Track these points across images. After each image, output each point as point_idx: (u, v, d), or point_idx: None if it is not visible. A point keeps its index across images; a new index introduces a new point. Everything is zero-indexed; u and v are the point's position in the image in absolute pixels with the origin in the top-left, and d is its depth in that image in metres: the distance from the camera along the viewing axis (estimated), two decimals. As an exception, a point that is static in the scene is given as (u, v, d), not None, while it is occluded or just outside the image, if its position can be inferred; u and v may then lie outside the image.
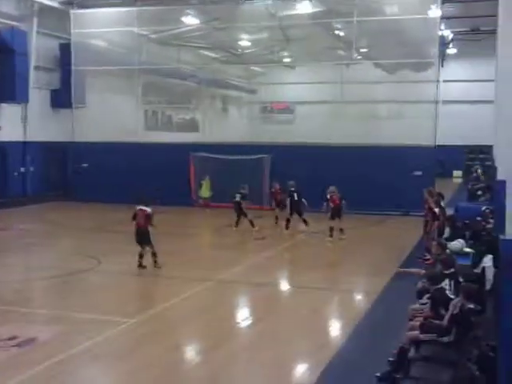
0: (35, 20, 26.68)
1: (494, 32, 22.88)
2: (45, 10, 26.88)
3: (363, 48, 29.78)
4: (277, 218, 20.17)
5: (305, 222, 19.18)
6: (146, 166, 25.59)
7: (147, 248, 13.79)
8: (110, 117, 26.67)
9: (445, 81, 37.13)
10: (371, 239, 18.90)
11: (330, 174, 21.88)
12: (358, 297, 12.81)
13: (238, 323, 10.65)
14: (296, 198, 18.95)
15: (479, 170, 29.31)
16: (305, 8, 26.49)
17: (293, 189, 19.09)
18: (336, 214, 17.70)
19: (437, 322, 7.60)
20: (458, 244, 12.46)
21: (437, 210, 14.67)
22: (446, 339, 7.30)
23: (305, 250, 17.61)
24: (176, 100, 35.69)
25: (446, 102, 37.73)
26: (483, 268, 10.07)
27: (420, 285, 9.42)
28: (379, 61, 29.82)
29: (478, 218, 13.88)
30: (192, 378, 8.25)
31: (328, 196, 17.70)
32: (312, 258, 16.17)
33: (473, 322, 7.49)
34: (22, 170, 27.41)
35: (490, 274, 9.79)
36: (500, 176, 7.33)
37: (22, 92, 26.17)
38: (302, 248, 18.03)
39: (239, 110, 43.89)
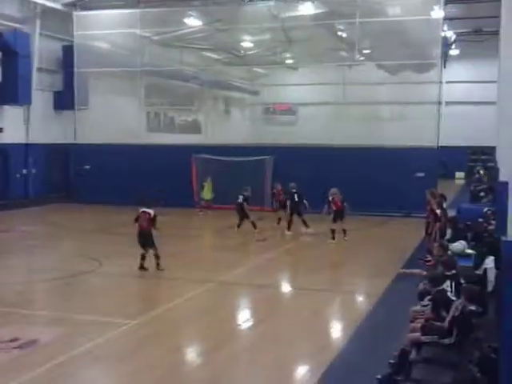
0: (38, 22, 26.74)
1: (496, 33, 22.84)
2: (48, 12, 26.94)
3: (366, 49, 29.79)
4: (279, 219, 20.17)
5: (304, 223, 19.19)
6: (148, 168, 25.61)
7: (150, 250, 13.78)
8: (113, 118, 26.71)
9: (447, 82, 37.16)
10: (373, 240, 18.88)
11: (333, 175, 21.87)
12: (360, 298, 12.79)
13: (240, 325, 10.65)
14: (296, 199, 18.96)
15: (482, 172, 29.24)
16: (307, 9, 26.50)
17: (294, 190, 19.11)
18: (338, 216, 17.67)
19: (438, 323, 7.58)
20: (459, 245, 12.46)
21: (439, 211, 14.64)
22: (447, 341, 7.28)
23: (306, 252, 17.60)
24: (178, 102, 35.74)
25: (448, 103, 37.81)
26: (485, 269, 10.05)
27: (421, 286, 9.40)
28: (382, 62, 29.82)
29: (480, 220, 13.86)
30: (193, 380, 8.24)
31: (330, 198, 17.67)
32: (313, 260, 16.15)
33: (474, 324, 7.47)
34: (24, 171, 27.44)
35: (491, 276, 9.77)
36: (502, 177, 7.34)
37: (24, 94, 26.23)
38: (304, 250, 18.02)
39: (242, 112, 43.93)
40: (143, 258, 13.74)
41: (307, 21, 27.05)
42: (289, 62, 35.23)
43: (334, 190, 17.78)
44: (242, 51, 33.18)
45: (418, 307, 8.73)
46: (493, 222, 13.17)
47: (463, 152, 40.59)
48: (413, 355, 7.55)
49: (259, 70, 39.14)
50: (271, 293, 12.72)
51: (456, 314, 7.32)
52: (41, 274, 14.04)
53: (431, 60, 24.97)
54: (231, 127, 39.34)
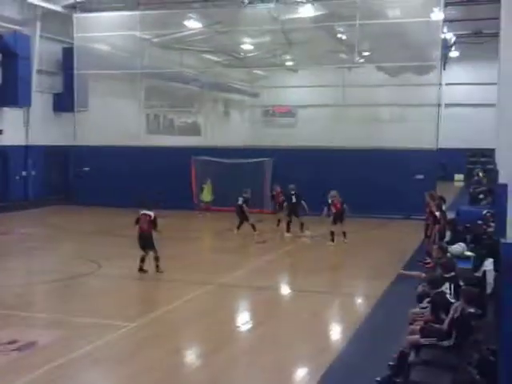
0: (38, 24, 26.75)
1: (496, 35, 22.85)
2: (48, 14, 26.95)
3: (365, 51, 29.80)
4: (279, 221, 20.18)
5: (301, 225, 19.20)
6: (147, 170, 25.61)
7: (151, 252, 13.77)
8: (112, 120, 26.72)
9: (447, 84, 37.21)
10: (372, 243, 18.88)
11: (332, 177, 21.88)
12: (359, 300, 12.79)
13: (239, 327, 10.64)
14: (294, 201, 18.99)
15: (481, 174, 29.26)
16: (307, 11, 26.51)
17: (293, 192, 19.14)
18: (338, 218, 17.67)
19: (437, 325, 7.58)
20: (458, 248, 12.46)
21: (438, 213, 14.65)
22: (446, 343, 7.28)
23: (306, 254, 17.59)
24: (178, 104, 35.72)
25: (448, 105, 37.85)
26: (484, 272, 10.05)
27: (420, 289, 9.41)
28: (381, 64, 29.82)
29: (479, 222, 13.86)
30: (192, 382, 8.24)
31: (330, 200, 17.67)
32: (313, 262, 16.15)
33: (473, 326, 7.47)
34: (24, 173, 27.43)
35: (490, 278, 9.77)
36: (502, 179, 7.33)
37: (24, 96, 26.24)
38: (303, 252, 18.01)
39: (241, 114, 43.95)
40: (143, 260, 13.73)
41: (307, 23, 27.08)
42: (289, 64, 35.28)
43: (333, 193, 17.79)
44: (242, 53, 33.21)
45: (417, 309, 8.74)
46: (492, 224, 13.15)
47: (462, 154, 40.62)
48: (412, 357, 7.55)
49: (259, 72, 39.20)
50: (270, 295, 12.72)
51: (455, 316, 7.32)
52: (40, 276, 14.04)
53: (431, 62, 24.99)
54: (231, 129, 39.36)
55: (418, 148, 23.39)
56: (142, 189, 22.36)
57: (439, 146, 24.10)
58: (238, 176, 22.90)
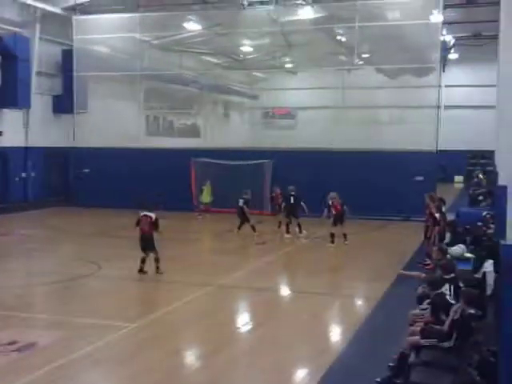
0: (38, 26, 26.80)
1: (495, 37, 22.86)
2: (47, 16, 26.99)
3: (365, 53, 29.83)
4: (280, 222, 20.17)
5: (299, 226, 19.23)
6: (147, 172, 25.62)
7: (151, 254, 13.78)
8: (112, 122, 26.75)
9: (446, 86, 37.20)
10: (372, 244, 18.89)
11: (332, 179, 21.89)
12: (359, 302, 12.79)
13: (239, 328, 10.64)
14: (292, 202, 19.02)
15: (481, 175, 29.28)
16: (306, 14, 26.54)
17: (292, 193, 19.18)
18: (338, 219, 17.68)
19: (437, 327, 7.59)
20: (458, 249, 12.48)
21: (438, 215, 14.66)
22: (446, 344, 7.28)
23: (305, 255, 17.59)
24: (178, 105, 35.75)
25: (447, 107, 37.86)
26: (484, 273, 10.06)
27: (420, 290, 9.41)
28: (381, 66, 29.86)
29: (479, 224, 13.87)
30: (192, 383, 8.24)
31: (330, 202, 17.68)
32: (313, 263, 16.15)
33: (473, 327, 7.47)
34: (24, 175, 27.46)
35: (490, 279, 9.78)
36: (501, 181, 7.34)
37: (24, 97, 26.28)
38: (303, 253, 18.01)
39: (241, 116, 43.98)
40: (143, 261, 13.74)
41: (306, 25, 27.10)
42: (288, 66, 35.31)
43: (333, 194, 17.80)
44: (242, 55, 33.22)
45: (417, 311, 8.74)
46: (492, 225, 13.17)
47: (462, 156, 40.65)
48: (412, 358, 7.56)
49: (258, 74, 39.22)
50: (270, 296, 12.71)
51: (455, 317, 7.33)
52: (40, 278, 14.03)
53: (430, 64, 25.01)
54: (230, 131, 39.38)
55: (418, 150, 23.42)
56: (142, 190, 22.38)
57: (439, 148, 24.10)
58: (237, 178, 22.91)
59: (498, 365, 6.86)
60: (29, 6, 26.10)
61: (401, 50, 27.33)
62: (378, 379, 7.55)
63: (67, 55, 28.08)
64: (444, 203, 16.14)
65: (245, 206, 19.24)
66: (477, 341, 7.55)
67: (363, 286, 13.78)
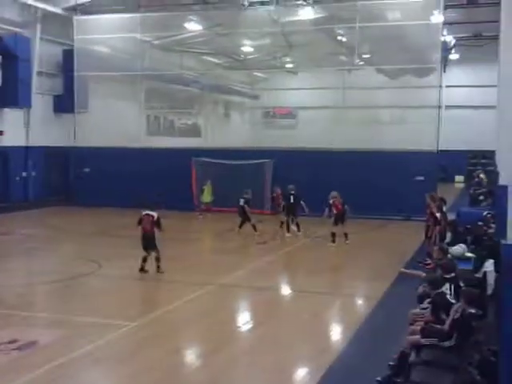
0: (38, 26, 26.81)
1: (496, 37, 22.89)
2: (48, 16, 27.00)
3: (365, 54, 29.85)
4: (282, 222, 20.17)
5: (297, 225, 19.26)
6: (148, 171, 25.63)
7: (152, 253, 13.79)
8: (113, 122, 26.76)
9: (447, 86, 37.19)
10: (372, 244, 18.90)
11: (332, 178, 21.87)
12: (359, 301, 12.80)
13: (239, 327, 10.65)
14: (292, 201, 19.05)
15: (481, 175, 29.28)
16: (307, 14, 26.54)
17: (292, 192, 19.20)
18: (339, 219, 17.69)
19: (438, 326, 7.59)
20: (459, 249, 12.47)
21: (438, 214, 14.67)
22: (447, 344, 7.28)
23: (306, 255, 17.60)
24: (178, 105, 35.77)
25: (448, 107, 37.85)
26: (484, 273, 10.06)
27: (421, 289, 9.41)
28: (381, 66, 29.85)
29: (480, 223, 13.87)
30: (192, 382, 8.25)
31: (330, 201, 17.70)
32: (313, 263, 16.16)
33: (474, 327, 7.47)
34: (24, 174, 27.47)
35: (491, 279, 9.78)
36: (502, 181, 7.35)
37: (24, 97, 26.31)
38: (304, 252, 18.02)
39: (241, 116, 44.00)
40: (145, 260, 13.76)
41: (307, 25, 27.11)
42: (289, 66, 35.33)
43: (334, 193, 17.81)
44: (242, 55, 33.24)
45: (418, 310, 8.74)
46: (492, 225, 13.18)
47: (463, 156, 40.66)
48: (412, 357, 7.56)
49: (259, 74, 39.25)
50: (271, 295, 12.72)
51: (456, 316, 7.33)
52: (40, 277, 14.04)
53: (431, 64, 25.01)
54: (231, 131, 39.40)
55: (419, 150, 23.42)
56: (143, 190, 22.42)
57: (440, 148, 24.11)
58: (238, 177, 22.92)
59: (498, 364, 6.86)
60: (29, 6, 26.11)
61: (401, 51, 27.33)
62: (379, 378, 7.55)
63: (68, 55, 28.11)
64: (445, 203, 16.15)
65: (246, 206, 19.28)
66: (477, 340, 7.56)
67: (364, 286, 13.79)
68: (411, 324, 8.25)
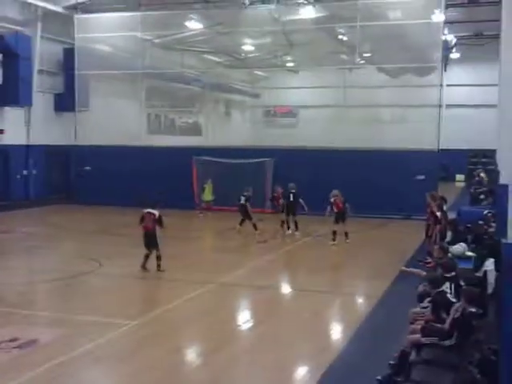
0: (39, 25, 26.80)
1: (497, 37, 22.89)
2: (49, 14, 27.00)
3: (366, 52, 29.83)
4: (282, 221, 20.17)
5: (295, 224, 19.26)
6: (148, 170, 25.64)
7: (154, 251, 13.81)
8: (114, 120, 26.77)
9: (448, 85, 37.19)
10: (373, 243, 18.90)
11: (333, 177, 21.87)
12: (360, 300, 12.82)
13: (240, 326, 10.66)
14: (291, 200, 19.05)
15: (482, 174, 29.27)
16: (308, 13, 26.52)
17: (293, 191, 19.21)
18: (340, 217, 17.69)
19: (438, 325, 7.59)
20: (459, 248, 12.47)
21: (439, 213, 14.67)
22: (447, 343, 7.29)
23: (307, 253, 17.60)
24: (179, 104, 35.77)
25: (449, 106, 37.82)
26: (485, 272, 10.06)
27: (421, 288, 9.41)
28: (382, 65, 29.84)
29: (480, 222, 13.86)
30: (193, 381, 8.25)
31: (332, 200, 17.70)
32: (314, 261, 16.17)
33: (474, 326, 7.48)
34: (25, 173, 27.48)
35: (491, 278, 9.78)
36: (503, 180, 7.36)
37: (25, 96, 26.30)
38: (304, 251, 18.02)
39: (242, 114, 43.99)
40: (147, 257, 13.78)
41: (308, 24, 27.09)
42: (289, 65, 35.34)
43: (335, 192, 17.82)
44: (243, 54, 33.23)
45: (418, 309, 8.75)
46: (493, 224, 13.18)
47: (464, 155, 40.66)
48: (413, 356, 7.57)
49: (260, 72, 39.24)
50: (271, 294, 12.73)
51: (456, 315, 7.33)
52: (41, 275, 14.04)
53: (432, 63, 24.97)
54: (232, 129, 39.41)
55: (419, 149, 23.41)
56: (143, 188, 22.43)
57: (440, 147, 24.10)
58: (239, 176, 22.93)
59: (498, 363, 6.87)
60: (30, 4, 26.11)
61: (402, 50, 27.31)
62: (379, 377, 7.55)
63: (69, 54, 28.11)
64: (445, 202, 16.15)
65: (248, 204, 19.27)
66: (478, 339, 7.57)
67: (364, 284, 13.80)
68: (411, 323, 8.26)
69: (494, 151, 20.60)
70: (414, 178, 22.73)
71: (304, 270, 15.57)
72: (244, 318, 11.23)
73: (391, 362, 7.69)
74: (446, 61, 33.02)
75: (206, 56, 33.94)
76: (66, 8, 27.33)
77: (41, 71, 27.52)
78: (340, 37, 29.36)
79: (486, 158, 36.92)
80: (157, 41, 29.50)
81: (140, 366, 8.37)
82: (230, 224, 20.08)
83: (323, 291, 12.90)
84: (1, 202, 25.30)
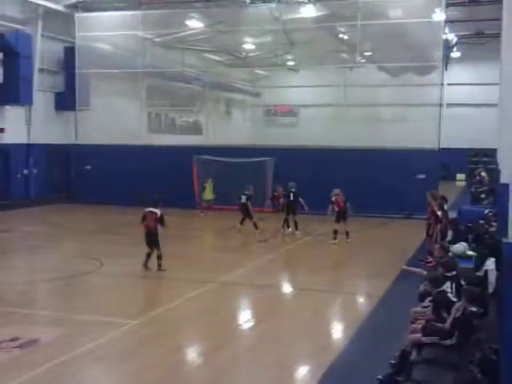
0: (40, 23, 26.79)
1: (498, 35, 22.90)
2: (50, 13, 26.99)
3: (367, 51, 29.81)
4: (283, 221, 20.15)
5: (295, 223, 19.26)
6: (149, 169, 25.64)
7: (155, 250, 13.81)
8: (114, 119, 26.77)
9: (449, 84, 37.19)
10: (374, 242, 18.89)
11: (334, 176, 21.86)
12: (360, 299, 12.81)
13: (240, 325, 10.66)
14: (292, 199, 19.05)
15: (483, 173, 29.26)
16: (309, 12, 26.53)
17: (293, 190, 19.20)
18: (341, 216, 17.69)
19: (439, 324, 7.59)
20: (460, 247, 12.46)
21: (440, 213, 14.66)
22: (448, 342, 7.28)
23: (307, 253, 17.60)
24: (180, 103, 35.78)
25: (449, 105, 37.82)
26: (486, 271, 10.05)
27: (422, 288, 9.40)
28: (383, 64, 29.81)
29: (481, 221, 13.86)
30: (194, 380, 8.25)
31: (333, 199, 17.69)
32: (314, 261, 16.16)
33: (475, 325, 7.47)
34: (26, 172, 27.48)
35: (492, 277, 9.77)
36: (503, 179, 7.37)
37: (26, 94, 26.29)
38: (305, 250, 18.02)
39: (243, 113, 43.98)
40: (149, 255, 13.78)
41: (309, 23, 27.09)
42: (290, 64, 35.36)
43: (336, 191, 17.80)
44: (244, 53, 33.23)
45: (419, 308, 8.74)
46: (494, 223, 13.19)
47: (464, 154, 40.66)
48: (414, 356, 7.56)
49: (261, 71, 39.22)
50: (272, 293, 12.72)
51: (457, 315, 7.32)
52: (42, 274, 14.04)
53: (432, 62, 24.96)
54: (232, 128, 39.39)
55: (420, 148, 23.40)
56: (144, 187, 22.45)
57: (441, 146, 24.09)
58: (239, 175, 22.92)
59: (499, 362, 6.86)
60: (31, 3, 26.09)
61: (403, 48, 27.30)
62: (380, 376, 7.55)
63: (69, 52, 28.10)
64: (446, 201, 16.13)
65: (249, 203, 19.25)
66: (478, 339, 7.56)
67: (365, 284, 13.80)
68: (412, 322, 8.25)
69: (494, 150, 20.60)
70: (415, 177, 22.73)
71: (305, 269, 15.57)
72: (245, 317, 11.23)
73: (392, 362, 7.69)
74: (446, 60, 33.02)
75: (206, 55, 33.95)
76: (67, 6, 27.33)
77: (41, 70, 27.51)
78: (341, 35, 29.35)
79: (486, 157, 36.91)
80: (157, 39, 29.50)
81: (141, 365, 8.37)
82: (231, 223, 20.08)
83: (324, 290, 12.90)
84: (1, 201, 25.30)
